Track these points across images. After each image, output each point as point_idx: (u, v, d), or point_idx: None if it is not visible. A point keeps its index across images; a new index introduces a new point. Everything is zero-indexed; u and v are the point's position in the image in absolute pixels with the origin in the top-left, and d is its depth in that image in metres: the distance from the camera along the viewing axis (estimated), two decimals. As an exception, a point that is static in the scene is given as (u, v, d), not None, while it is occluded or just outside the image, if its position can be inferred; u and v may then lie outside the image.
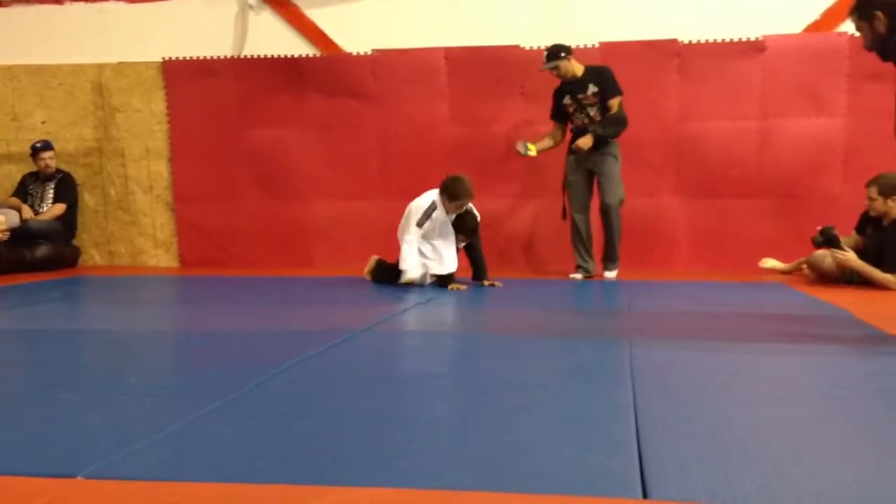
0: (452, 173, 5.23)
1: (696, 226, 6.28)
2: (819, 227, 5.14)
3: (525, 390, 2.50)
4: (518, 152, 5.72)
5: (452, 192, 5.08)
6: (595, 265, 5.87)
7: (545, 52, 5.63)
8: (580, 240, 5.84)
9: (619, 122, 5.62)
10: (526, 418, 2.16)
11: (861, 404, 2.34)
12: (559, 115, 5.82)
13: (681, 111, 6.17)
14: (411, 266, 5.10)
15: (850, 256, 5.04)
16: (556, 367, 2.85)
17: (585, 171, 5.75)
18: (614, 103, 5.60)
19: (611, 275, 5.77)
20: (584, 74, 5.62)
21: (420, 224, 5.08)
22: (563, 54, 5.55)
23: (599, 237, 5.84)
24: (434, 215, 5.09)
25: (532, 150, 5.70)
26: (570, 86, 5.67)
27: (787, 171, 6.11)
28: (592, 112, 5.64)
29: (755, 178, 6.17)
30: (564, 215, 5.91)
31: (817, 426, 2.12)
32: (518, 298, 4.84)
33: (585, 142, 5.54)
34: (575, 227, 5.83)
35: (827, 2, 6.06)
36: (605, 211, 5.71)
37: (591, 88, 5.60)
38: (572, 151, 5.71)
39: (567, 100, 5.70)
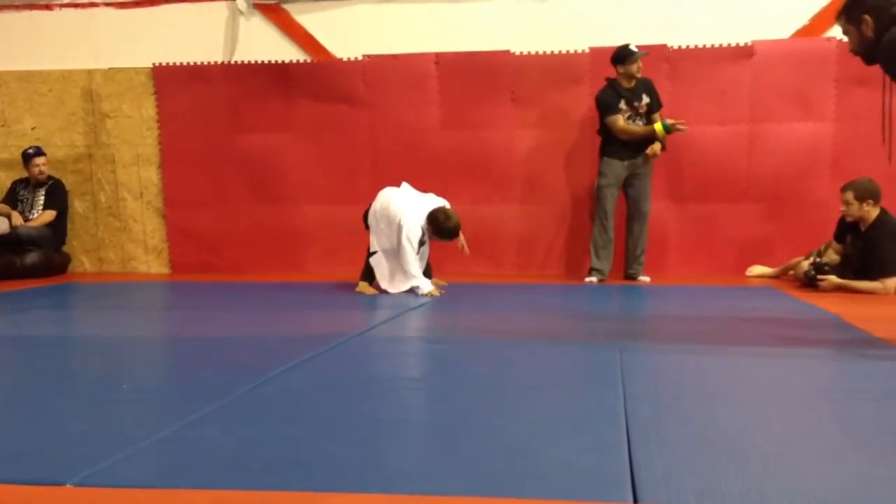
0: (444, 210, 5.07)
1: (687, 230, 6.29)
2: (814, 262, 5.24)
3: (516, 394, 2.50)
4: (676, 128, 5.65)
5: (441, 232, 5.03)
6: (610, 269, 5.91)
7: (629, 49, 5.60)
8: (606, 244, 5.81)
9: None
10: (517, 422, 2.16)
11: (850, 407, 2.35)
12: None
13: (671, 116, 6.14)
14: (423, 280, 5.05)
15: (829, 280, 5.08)
16: (546, 371, 2.85)
17: (622, 180, 5.77)
18: (658, 117, 5.74)
19: (645, 279, 5.82)
20: (638, 82, 5.70)
21: (417, 251, 5.04)
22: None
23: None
24: (423, 241, 5.10)
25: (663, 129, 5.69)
26: (626, 91, 5.69)
27: (776, 175, 6.14)
28: (644, 121, 5.74)
29: (745, 183, 6.19)
30: (594, 218, 5.91)
31: (807, 429, 2.13)
32: (509, 302, 4.84)
33: (657, 149, 5.65)
34: (604, 230, 5.79)
35: (815, 7, 6.09)
36: (642, 218, 5.79)
37: (645, 98, 5.70)
38: (612, 155, 5.71)
39: (623, 105, 5.69)
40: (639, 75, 5.66)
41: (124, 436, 2.04)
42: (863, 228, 5.10)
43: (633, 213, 5.81)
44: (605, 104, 5.70)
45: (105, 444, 1.96)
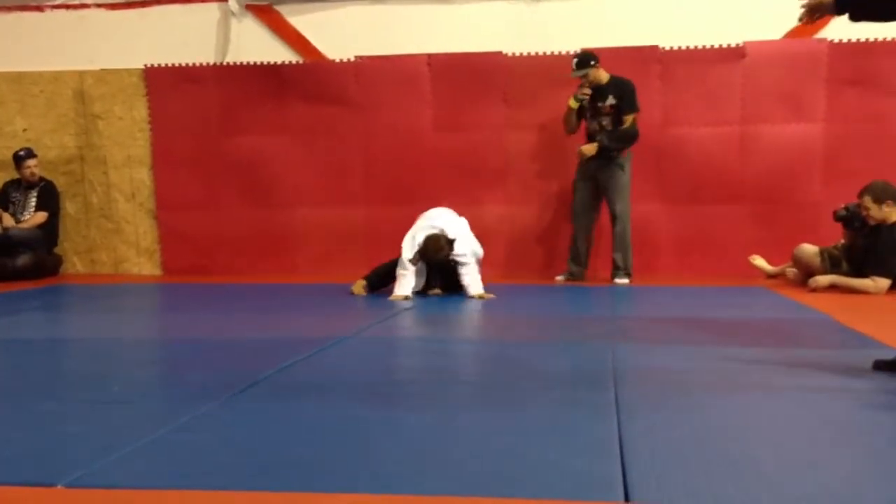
0: (432, 237, 5.00)
1: (679, 231, 6.30)
2: (845, 205, 5.25)
3: (508, 395, 2.50)
4: (581, 98, 5.72)
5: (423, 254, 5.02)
6: (584, 270, 5.92)
7: (574, 59, 5.66)
8: (574, 240, 5.90)
9: (628, 138, 5.70)
10: (509, 423, 2.17)
11: (841, 407, 2.36)
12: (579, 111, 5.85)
13: (663, 117, 6.20)
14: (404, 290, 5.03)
15: (819, 282, 5.13)
16: (539, 372, 2.85)
17: (591, 179, 5.81)
18: (629, 119, 5.69)
19: (622, 281, 5.77)
20: (607, 83, 5.69)
21: (413, 262, 5.00)
22: (592, 62, 5.61)
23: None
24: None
25: (574, 102, 5.75)
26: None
27: (768, 176, 6.15)
28: (605, 122, 5.71)
29: (737, 184, 6.21)
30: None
31: (798, 430, 2.14)
32: (502, 305, 4.84)
33: (590, 148, 5.67)
34: (574, 229, 5.89)
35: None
36: (613, 220, 5.78)
37: (610, 100, 5.68)
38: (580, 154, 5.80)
39: (585, 104, 5.76)
40: (594, 82, 5.63)
41: (116, 437, 2.03)
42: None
43: (610, 216, 5.82)
44: None
45: (96, 446, 1.95)
